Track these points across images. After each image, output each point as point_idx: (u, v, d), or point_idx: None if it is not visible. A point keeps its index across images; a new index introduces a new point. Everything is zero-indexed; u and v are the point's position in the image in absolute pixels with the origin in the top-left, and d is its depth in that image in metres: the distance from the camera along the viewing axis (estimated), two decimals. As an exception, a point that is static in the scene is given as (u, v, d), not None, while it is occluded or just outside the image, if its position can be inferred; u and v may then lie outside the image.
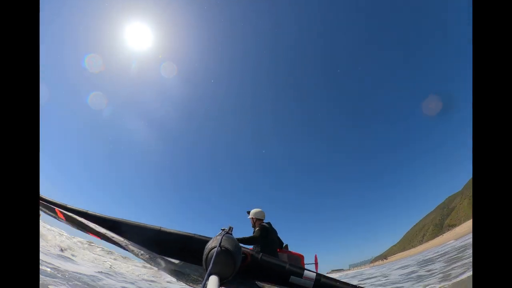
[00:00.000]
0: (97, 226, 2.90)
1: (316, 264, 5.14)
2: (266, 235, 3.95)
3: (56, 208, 3.19)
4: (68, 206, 3.68)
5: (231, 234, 2.60)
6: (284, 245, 4.51)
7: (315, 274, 3.08)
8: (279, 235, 4.33)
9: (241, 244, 2.46)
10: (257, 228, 4.06)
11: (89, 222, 2.99)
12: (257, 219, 4.30)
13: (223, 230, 2.58)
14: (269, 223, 4.23)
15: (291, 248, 4.55)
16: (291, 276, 3.01)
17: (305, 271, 3.07)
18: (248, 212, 4.45)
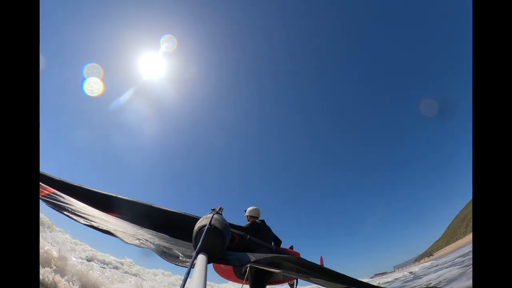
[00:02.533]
0: (82, 203, 2.87)
1: (321, 264, 5.32)
2: (256, 231, 4.09)
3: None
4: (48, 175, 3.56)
5: (221, 214, 2.62)
6: (289, 246, 4.65)
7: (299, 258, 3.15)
8: (283, 234, 4.51)
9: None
10: (249, 223, 4.28)
11: (73, 198, 2.94)
12: (252, 216, 4.50)
13: (213, 210, 2.63)
14: (262, 221, 4.40)
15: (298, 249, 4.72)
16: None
17: (290, 255, 3.17)
18: (245, 210, 4.65)
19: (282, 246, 4.60)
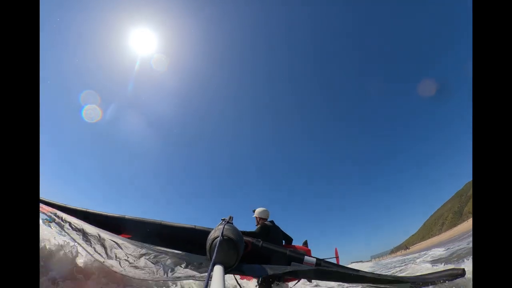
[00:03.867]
0: (96, 228, 2.82)
1: (337, 257, 5.22)
2: (267, 233, 4.03)
3: (46, 207, 3.07)
4: (63, 205, 3.54)
5: (232, 223, 2.65)
6: (303, 241, 4.51)
7: (315, 259, 3.20)
8: (289, 231, 4.43)
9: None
10: (259, 226, 4.21)
11: (86, 223, 2.89)
12: (261, 218, 4.47)
13: (223, 220, 2.66)
14: (272, 222, 4.35)
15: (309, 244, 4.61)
16: (292, 262, 3.13)
17: (305, 257, 3.21)
18: (253, 211, 4.62)
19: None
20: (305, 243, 4.45)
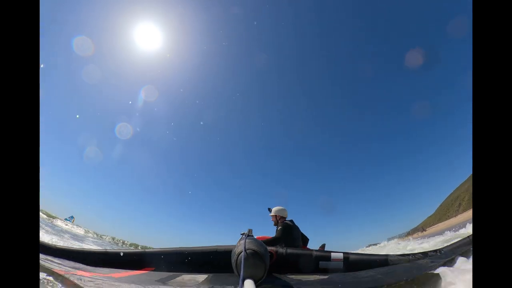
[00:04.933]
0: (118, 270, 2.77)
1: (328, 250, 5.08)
2: (289, 233, 3.93)
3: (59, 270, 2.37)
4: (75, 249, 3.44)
5: (252, 235, 2.66)
6: (320, 245, 4.33)
7: (342, 254, 3.14)
8: (303, 231, 4.29)
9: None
10: (279, 227, 4.03)
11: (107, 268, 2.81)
12: (281, 217, 4.28)
13: (243, 234, 2.66)
14: (291, 221, 4.19)
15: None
16: (320, 262, 3.08)
17: (331, 253, 3.15)
18: (270, 210, 4.43)
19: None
20: (323, 247, 4.22)
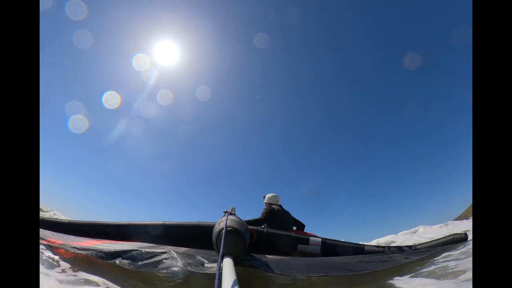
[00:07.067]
0: (99, 241, 2.81)
1: (311, 234, 5.13)
2: (272, 217, 4.01)
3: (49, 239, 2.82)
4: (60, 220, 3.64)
5: (235, 214, 2.70)
6: (302, 226, 4.41)
7: (320, 239, 3.28)
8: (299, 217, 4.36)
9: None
10: (264, 211, 4.15)
11: (90, 239, 2.89)
12: (270, 204, 4.38)
13: (226, 212, 2.71)
14: (280, 206, 4.28)
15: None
16: (298, 245, 3.20)
17: (310, 237, 3.27)
18: (264, 197, 4.54)
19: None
20: (302, 228, 4.37)
